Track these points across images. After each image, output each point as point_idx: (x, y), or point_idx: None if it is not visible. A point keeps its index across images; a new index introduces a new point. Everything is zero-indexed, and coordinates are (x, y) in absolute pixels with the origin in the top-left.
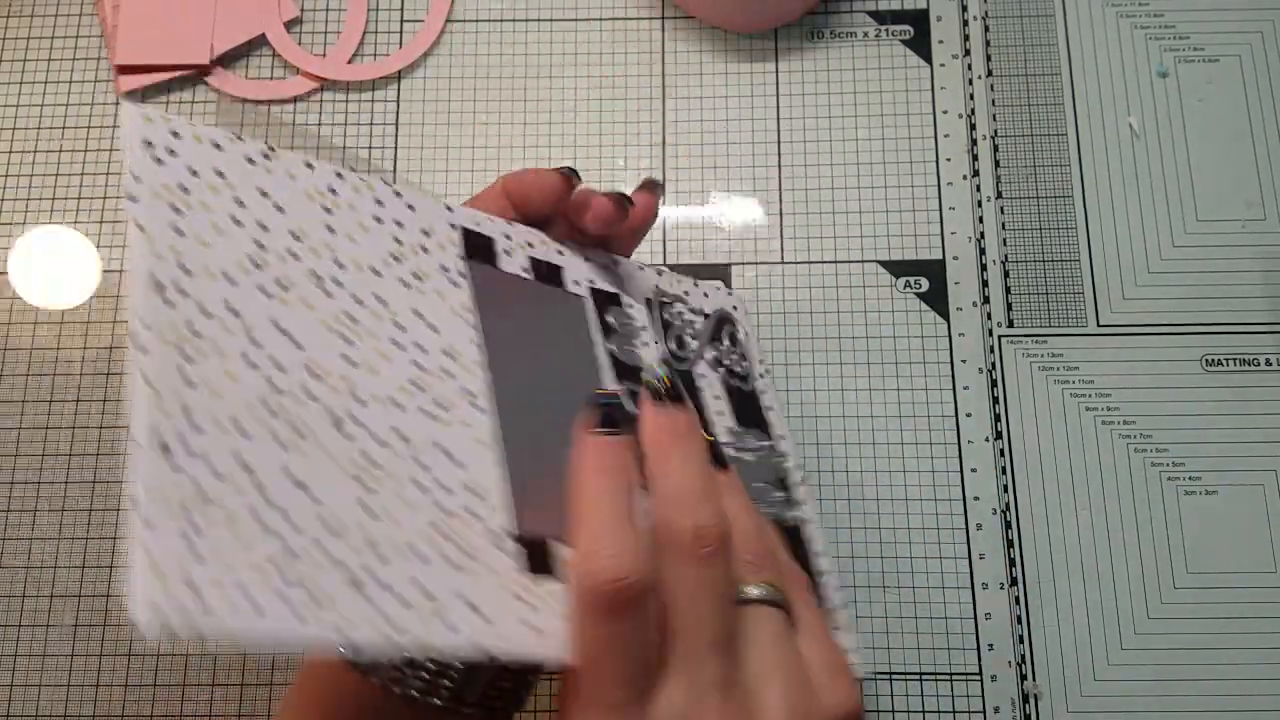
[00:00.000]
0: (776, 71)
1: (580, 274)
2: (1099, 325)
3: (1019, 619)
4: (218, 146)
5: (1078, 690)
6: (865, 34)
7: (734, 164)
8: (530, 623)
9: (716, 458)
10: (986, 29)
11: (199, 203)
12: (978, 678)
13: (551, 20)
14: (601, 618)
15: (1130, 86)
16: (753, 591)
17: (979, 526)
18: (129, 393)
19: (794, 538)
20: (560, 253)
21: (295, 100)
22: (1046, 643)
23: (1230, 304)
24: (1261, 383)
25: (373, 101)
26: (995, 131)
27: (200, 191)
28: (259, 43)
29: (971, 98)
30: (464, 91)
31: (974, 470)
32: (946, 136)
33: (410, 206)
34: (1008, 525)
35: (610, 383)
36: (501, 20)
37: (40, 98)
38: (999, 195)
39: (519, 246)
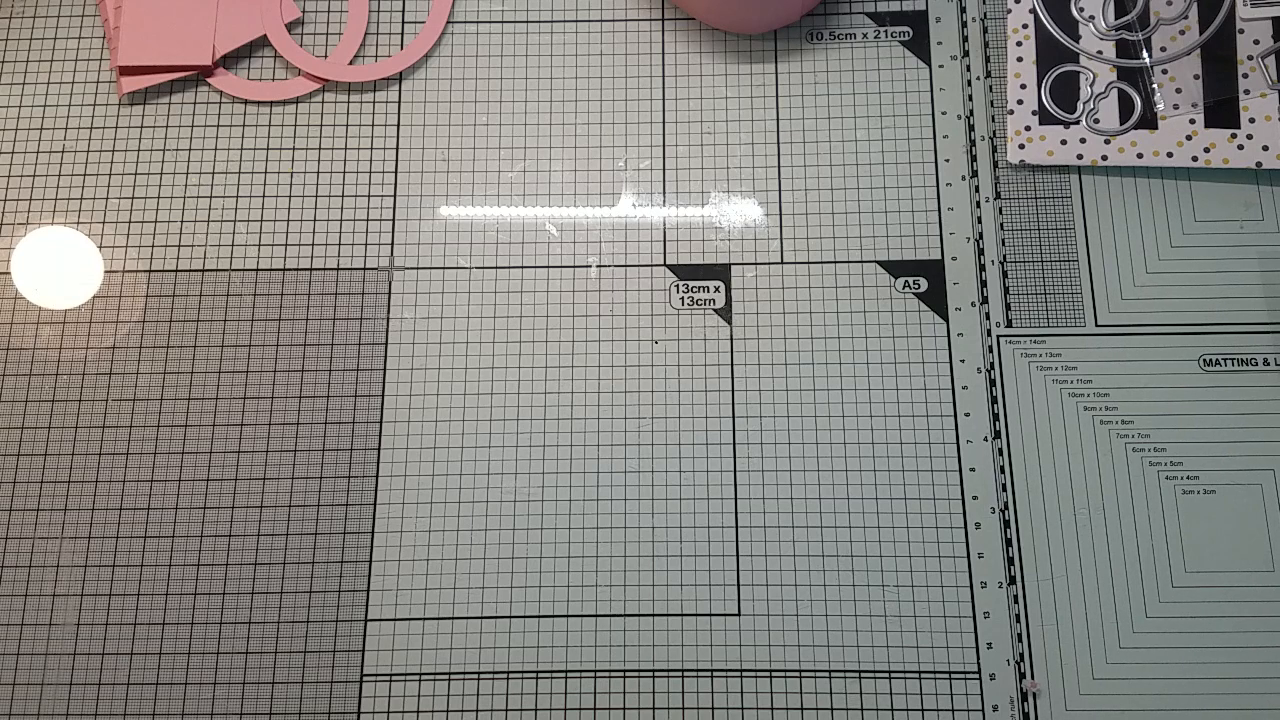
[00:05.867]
0: (776, 72)
1: None
2: (1097, 325)
3: (1018, 617)
4: None
5: (1076, 689)
6: (864, 35)
7: (734, 164)
8: None
9: None
10: (985, 30)
11: None
12: (976, 676)
13: (551, 21)
14: None
15: None
16: None
17: (978, 525)
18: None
19: None
20: None
21: (297, 101)
22: (1045, 641)
23: (1228, 304)
24: (1259, 382)
25: (374, 102)
26: (994, 132)
27: None
28: (261, 44)
29: (970, 99)
30: (465, 92)
31: (973, 469)
32: (945, 137)
33: None
34: (1006, 524)
35: None
36: (502, 21)
37: (43, 98)
38: (997, 196)
39: None
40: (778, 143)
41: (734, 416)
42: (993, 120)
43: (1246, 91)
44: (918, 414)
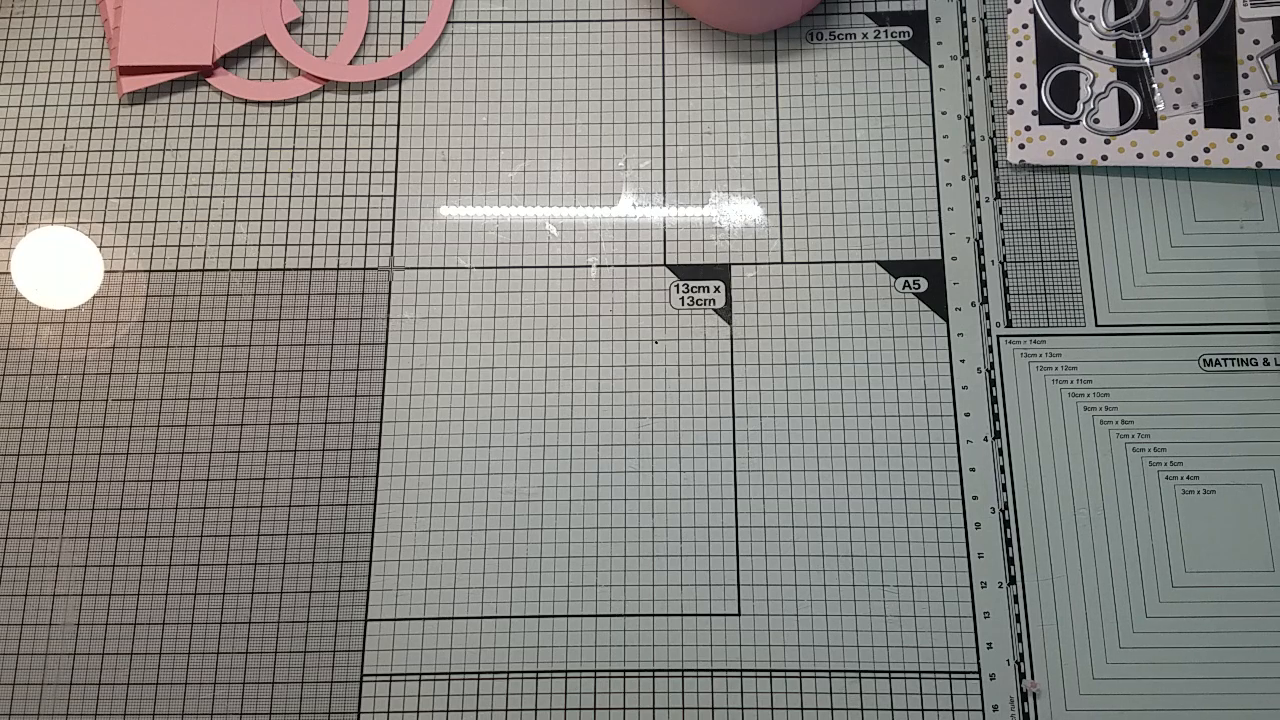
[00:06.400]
0: (776, 72)
1: None
2: (1097, 325)
3: (1018, 617)
4: None
5: (1076, 688)
6: (864, 35)
7: (734, 164)
8: None
9: None
10: (985, 30)
11: None
12: (976, 676)
13: (551, 21)
14: None
15: None
16: None
17: (978, 525)
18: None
19: None
20: None
21: (297, 101)
22: (1045, 641)
23: (1228, 304)
24: (1259, 382)
25: (374, 102)
26: (994, 132)
27: None
28: (261, 44)
29: (970, 99)
30: (465, 92)
31: (973, 469)
32: (945, 137)
33: None
34: (1006, 524)
35: None
36: (502, 21)
37: (43, 98)
38: (997, 196)
39: None
40: (778, 143)
41: (734, 416)
42: (993, 120)
43: (1246, 91)
44: (918, 414)
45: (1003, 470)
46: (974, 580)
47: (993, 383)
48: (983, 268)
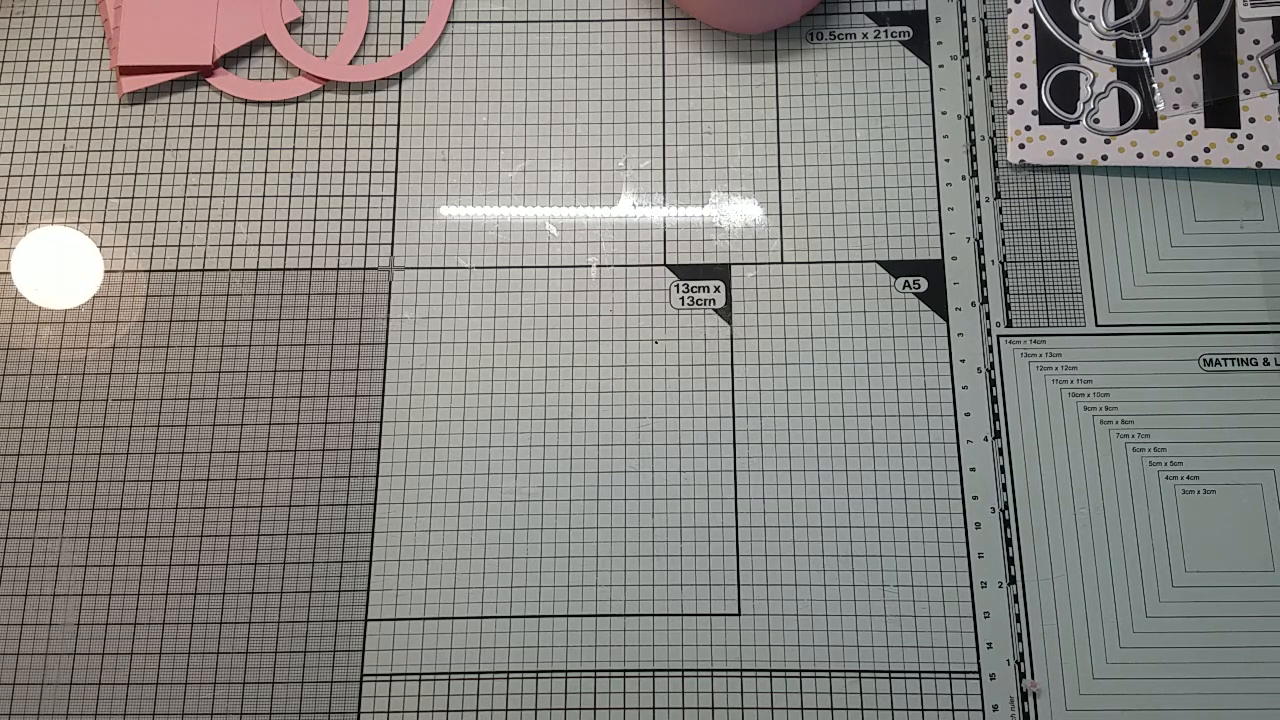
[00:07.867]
0: (776, 72)
1: None
2: (1097, 325)
3: (1018, 617)
4: None
5: (1076, 688)
6: (864, 35)
7: (734, 164)
8: None
9: None
10: (985, 30)
11: None
12: (976, 676)
13: (551, 20)
14: None
15: None
16: None
17: (978, 525)
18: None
19: None
20: None
21: (297, 101)
22: (1045, 641)
23: (1228, 304)
24: (1259, 382)
25: (374, 102)
26: (994, 132)
27: None
28: (261, 44)
29: (970, 99)
30: (465, 92)
31: (973, 469)
32: (945, 137)
33: None
34: (1006, 524)
35: None
36: (502, 21)
37: (43, 98)
38: (997, 195)
39: None
40: (778, 143)
41: (734, 416)
42: (993, 120)
43: (1246, 91)
44: (918, 414)
45: (1003, 470)
46: (974, 580)
47: (993, 383)
48: (983, 268)
